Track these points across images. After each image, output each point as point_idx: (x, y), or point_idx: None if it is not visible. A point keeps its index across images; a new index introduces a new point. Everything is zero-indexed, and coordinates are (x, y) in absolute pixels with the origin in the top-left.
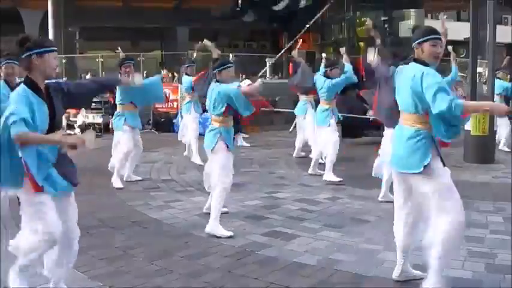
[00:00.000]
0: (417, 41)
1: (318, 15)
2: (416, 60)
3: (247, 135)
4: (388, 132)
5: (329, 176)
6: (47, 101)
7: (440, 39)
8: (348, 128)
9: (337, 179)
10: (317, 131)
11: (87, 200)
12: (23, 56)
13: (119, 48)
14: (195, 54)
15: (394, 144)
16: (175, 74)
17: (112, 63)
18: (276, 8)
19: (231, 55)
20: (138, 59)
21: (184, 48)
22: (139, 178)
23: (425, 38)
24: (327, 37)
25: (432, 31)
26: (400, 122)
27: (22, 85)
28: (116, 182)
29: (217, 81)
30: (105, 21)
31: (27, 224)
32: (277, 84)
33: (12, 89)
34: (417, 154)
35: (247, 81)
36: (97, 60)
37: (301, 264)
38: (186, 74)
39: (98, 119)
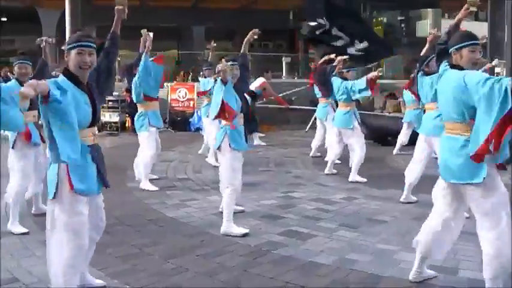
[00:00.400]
0: (455, 47)
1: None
2: (454, 67)
3: (263, 134)
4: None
5: (355, 177)
6: (88, 94)
7: (478, 44)
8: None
9: (363, 180)
10: (338, 133)
11: (104, 198)
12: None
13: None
14: (211, 54)
15: (443, 155)
16: (190, 72)
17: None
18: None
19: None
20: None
21: (200, 48)
22: (156, 177)
23: (464, 44)
24: None
25: (471, 36)
26: (445, 133)
27: (61, 76)
28: (148, 186)
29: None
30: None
31: (55, 238)
32: (294, 84)
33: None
34: (473, 164)
35: (261, 79)
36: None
37: (316, 263)
38: (204, 76)
39: (115, 118)
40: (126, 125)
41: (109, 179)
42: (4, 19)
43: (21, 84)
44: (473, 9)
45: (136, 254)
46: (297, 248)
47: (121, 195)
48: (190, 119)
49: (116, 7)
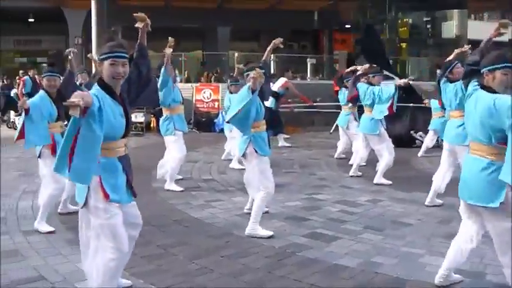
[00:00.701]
0: (489, 68)
1: None
2: (484, 88)
3: (288, 136)
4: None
5: (380, 179)
6: (122, 105)
7: (511, 67)
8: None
9: (388, 182)
10: (365, 138)
11: None
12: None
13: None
14: (237, 70)
15: (464, 174)
16: (215, 73)
17: (154, 64)
18: None
19: (272, 56)
20: (180, 58)
21: (225, 48)
22: (180, 177)
23: (498, 66)
24: None
25: (505, 59)
26: (469, 152)
27: (95, 86)
28: (173, 187)
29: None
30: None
31: (95, 244)
32: (318, 85)
33: (52, 99)
34: (492, 187)
35: (282, 79)
36: None
37: (341, 266)
38: (230, 92)
39: (140, 118)
40: (152, 125)
41: (134, 179)
42: (31, 20)
43: (50, 96)
44: (505, 31)
45: (162, 254)
46: (322, 250)
47: (146, 196)
48: (215, 120)
49: (136, 25)
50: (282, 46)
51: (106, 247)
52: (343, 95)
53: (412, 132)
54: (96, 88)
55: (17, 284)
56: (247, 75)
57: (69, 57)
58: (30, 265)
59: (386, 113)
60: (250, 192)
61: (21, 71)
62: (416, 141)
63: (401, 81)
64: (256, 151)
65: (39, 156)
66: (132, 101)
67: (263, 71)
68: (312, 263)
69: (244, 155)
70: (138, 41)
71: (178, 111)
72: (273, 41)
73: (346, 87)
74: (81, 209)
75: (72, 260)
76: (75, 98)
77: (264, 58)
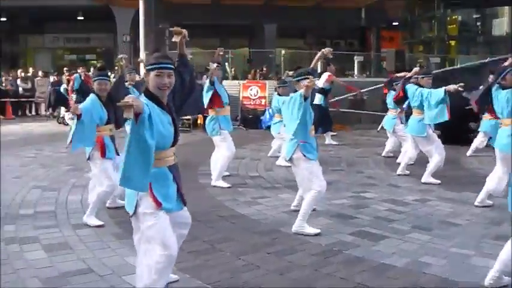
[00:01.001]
0: None
1: None
2: None
3: (335, 134)
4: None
5: (428, 178)
6: (170, 114)
7: None
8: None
9: (436, 181)
10: (413, 140)
11: None
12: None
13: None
14: (288, 74)
15: None
16: (262, 71)
17: (201, 60)
18: None
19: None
20: (227, 56)
21: (271, 46)
22: (227, 174)
23: None
24: (416, 35)
25: None
26: None
27: (142, 96)
28: (220, 183)
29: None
30: (194, 18)
31: (144, 247)
32: (365, 83)
33: (103, 102)
34: None
35: (326, 74)
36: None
37: (388, 265)
38: (278, 94)
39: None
40: (198, 122)
41: (181, 175)
42: (80, 18)
43: (100, 99)
44: None
45: (208, 250)
46: (369, 249)
47: (193, 192)
48: (262, 117)
49: (173, 39)
50: (330, 56)
51: (154, 250)
52: (391, 97)
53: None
54: (143, 98)
55: (66, 276)
56: (298, 80)
57: (121, 62)
58: (79, 258)
59: (444, 119)
60: (301, 191)
61: (65, 68)
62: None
63: (452, 87)
64: (304, 155)
65: (88, 159)
66: (178, 110)
67: (316, 79)
68: (359, 261)
69: (290, 159)
70: (179, 52)
71: (225, 112)
72: (322, 50)
73: (395, 89)
74: (132, 218)
75: (120, 253)
76: (128, 99)
77: (312, 65)
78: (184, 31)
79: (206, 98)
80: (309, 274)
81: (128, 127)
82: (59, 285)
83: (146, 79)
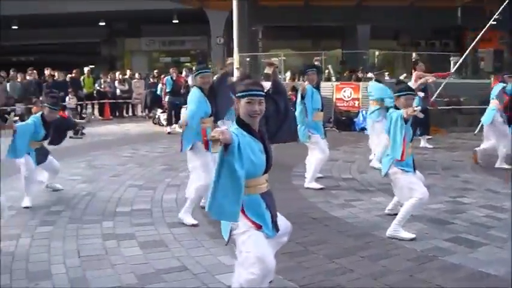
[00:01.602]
0: None
1: None
2: None
3: (430, 137)
4: None
5: None
6: (261, 141)
7: None
8: None
9: None
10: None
11: None
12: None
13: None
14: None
15: None
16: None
17: (294, 62)
18: None
19: (414, 54)
20: (319, 57)
21: (364, 47)
22: (320, 175)
23: None
24: None
25: None
26: None
27: (234, 125)
28: (313, 185)
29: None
30: (286, 20)
31: (241, 260)
32: (462, 84)
33: (206, 96)
34: None
35: (414, 74)
36: (279, 58)
37: (487, 274)
38: (376, 80)
39: None
40: None
41: (275, 176)
42: (175, 21)
43: (203, 91)
44: None
45: (302, 251)
46: (466, 256)
47: (286, 193)
48: (355, 119)
49: (266, 71)
50: (432, 86)
51: (251, 264)
52: (496, 89)
53: None
54: (235, 127)
55: (160, 273)
56: (398, 96)
57: (227, 61)
58: (173, 256)
59: None
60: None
61: (155, 71)
62: None
63: None
64: (400, 169)
65: (191, 148)
66: (272, 136)
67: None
68: (456, 268)
69: (387, 175)
70: (272, 78)
71: (316, 117)
72: (425, 78)
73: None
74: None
75: (214, 253)
76: (215, 133)
77: (415, 87)
78: (276, 63)
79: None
80: (403, 280)
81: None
82: (153, 281)
83: (237, 106)
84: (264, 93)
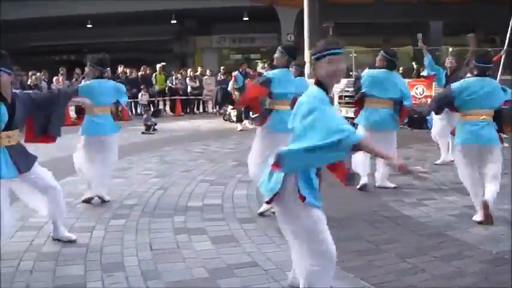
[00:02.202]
0: None
1: None
2: None
3: (506, 136)
4: None
5: None
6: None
7: None
8: None
9: None
10: None
11: (341, 193)
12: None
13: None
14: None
15: None
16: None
17: (365, 59)
18: None
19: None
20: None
21: (437, 43)
22: (392, 172)
23: None
24: None
25: None
26: None
27: (315, 88)
28: (385, 183)
29: None
30: (357, 17)
31: (308, 247)
32: None
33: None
34: None
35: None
36: (350, 55)
37: None
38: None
39: (351, 113)
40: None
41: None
42: (245, 18)
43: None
44: None
45: (373, 250)
46: None
47: (358, 191)
48: (428, 117)
49: None
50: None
51: (313, 252)
52: None
53: None
54: (315, 89)
55: (231, 268)
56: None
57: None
58: (244, 251)
59: None
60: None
61: (222, 67)
62: None
63: None
64: None
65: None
66: None
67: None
68: None
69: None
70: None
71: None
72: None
73: None
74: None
75: (285, 249)
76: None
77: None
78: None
79: None
80: (476, 282)
81: None
82: (224, 276)
83: (313, 68)
84: (343, 52)
